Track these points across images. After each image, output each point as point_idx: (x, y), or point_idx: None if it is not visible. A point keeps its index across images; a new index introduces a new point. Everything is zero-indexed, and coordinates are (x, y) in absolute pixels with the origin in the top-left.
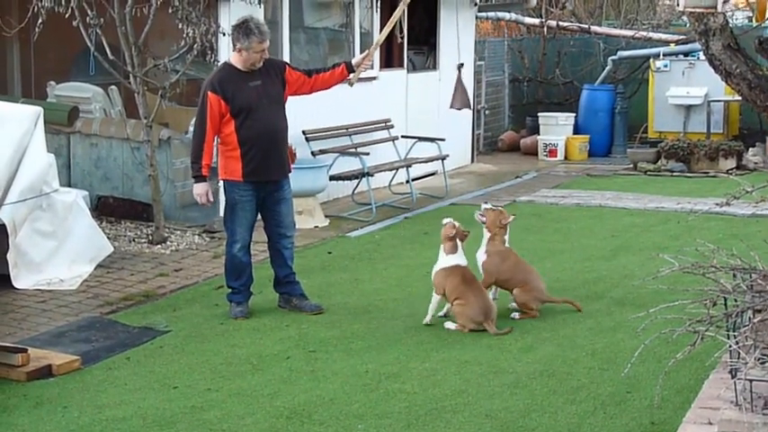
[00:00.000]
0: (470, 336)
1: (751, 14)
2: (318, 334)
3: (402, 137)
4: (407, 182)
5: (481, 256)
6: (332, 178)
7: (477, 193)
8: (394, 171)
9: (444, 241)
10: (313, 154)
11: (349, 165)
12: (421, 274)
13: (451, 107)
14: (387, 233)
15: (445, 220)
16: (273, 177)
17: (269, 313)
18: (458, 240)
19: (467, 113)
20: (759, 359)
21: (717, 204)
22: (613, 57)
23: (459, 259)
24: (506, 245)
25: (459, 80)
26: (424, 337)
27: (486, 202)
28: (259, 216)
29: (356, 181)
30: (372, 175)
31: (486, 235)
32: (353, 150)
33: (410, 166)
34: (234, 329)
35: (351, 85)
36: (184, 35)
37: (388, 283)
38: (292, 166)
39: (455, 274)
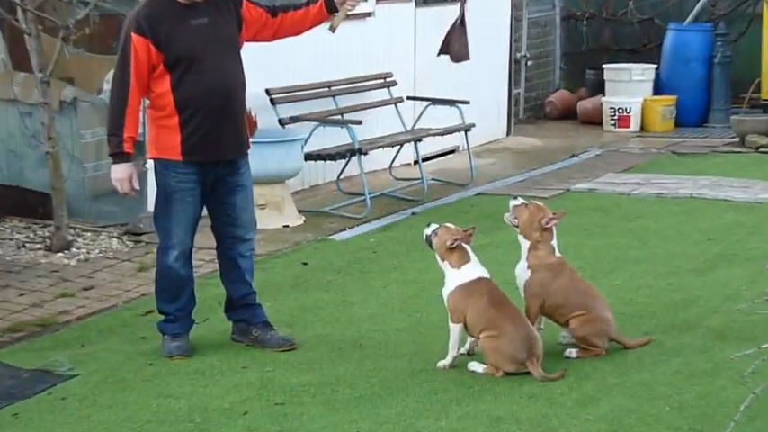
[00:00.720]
0: (505, 382)
1: None
2: (289, 379)
3: (408, 98)
4: (416, 163)
5: (522, 274)
6: (308, 157)
7: (515, 179)
8: (397, 147)
9: (445, 254)
10: (281, 123)
11: (333, 138)
12: (434, 294)
13: (441, 54)
14: (386, 236)
15: (430, 228)
16: (226, 156)
17: (218, 350)
18: (464, 245)
19: (502, 64)
20: None
21: None
22: None
23: (477, 270)
24: (556, 254)
25: (460, 21)
26: (438, 383)
27: (515, 197)
28: (205, 212)
29: (343, 161)
30: (366, 154)
31: (525, 243)
32: (339, 118)
33: (420, 141)
34: (168, 373)
35: (333, 30)
36: None
37: (387, 306)
38: (252, 139)
39: (479, 293)
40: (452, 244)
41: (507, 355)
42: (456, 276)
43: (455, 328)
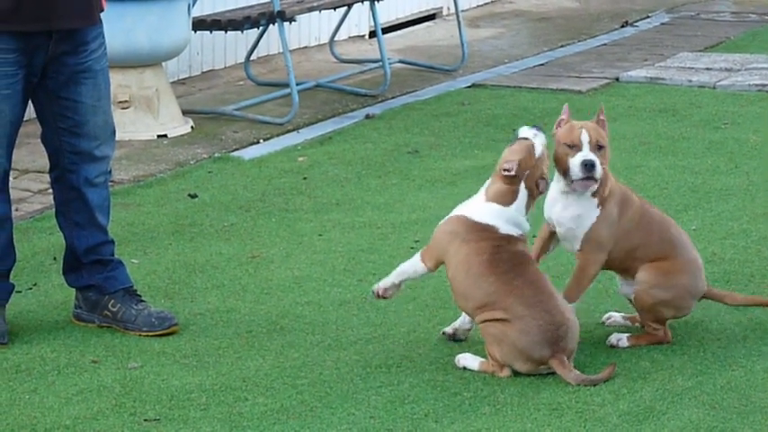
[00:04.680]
0: (513, 385)
1: None
2: (167, 381)
3: None
4: (372, 35)
5: (585, 217)
6: (199, 26)
7: (531, 62)
8: (342, 10)
9: (499, 179)
10: None
11: None
12: (401, 246)
13: None
14: (325, 152)
15: (526, 132)
16: (62, 23)
17: (54, 333)
18: (523, 184)
19: None
20: None
21: None
22: None
23: (510, 219)
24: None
25: None
26: (406, 388)
27: (588, 163)
28: (32, 114)
29: (255, 32)
30: (293, 20)
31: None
32: None
33: (378, 0)
34: None
35: None
36: None
37: (326, 265)
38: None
39: (478, 248)
40: (510, 170)
41: (518, 349)
42: (475, 205)
43: (414, 264)
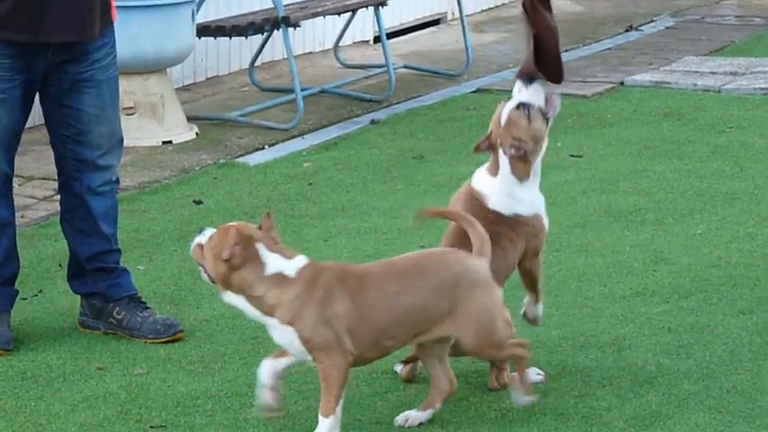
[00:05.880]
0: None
1: None
2: (172, 387)
3: None
4: (377, 41)
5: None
6: (203, 32)
7: None
8: (347, 16)
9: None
10: None
11: (243, 1)
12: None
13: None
14: (330, 158)
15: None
16: (51, 37)
17: (59, 340)
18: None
19: None
20: None
21: None
22: None
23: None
24: None
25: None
26: (412, 393)
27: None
28: (38, 120)
29: (259, 38)
30: (297, 26)
31: None
32: None
33: (383, 5)
34: None
35: None
36: None
37: None
38: (115, 4)
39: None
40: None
41: None
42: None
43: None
